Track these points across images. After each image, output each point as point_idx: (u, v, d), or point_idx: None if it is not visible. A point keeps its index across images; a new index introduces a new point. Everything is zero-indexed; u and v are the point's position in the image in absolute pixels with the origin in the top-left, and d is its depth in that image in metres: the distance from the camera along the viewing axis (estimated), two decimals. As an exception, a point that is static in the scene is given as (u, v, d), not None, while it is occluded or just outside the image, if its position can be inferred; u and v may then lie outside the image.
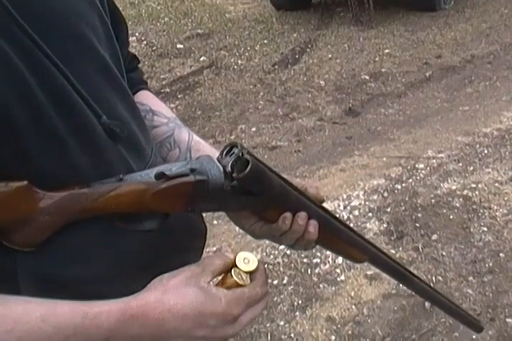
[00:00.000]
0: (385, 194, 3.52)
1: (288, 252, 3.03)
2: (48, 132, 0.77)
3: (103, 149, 0.84)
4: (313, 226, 0.94)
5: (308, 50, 6.34)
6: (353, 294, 2.74)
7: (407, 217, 3.27)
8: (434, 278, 2.80)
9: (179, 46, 6.48)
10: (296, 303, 2.72)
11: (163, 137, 1.08)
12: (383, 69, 5.74)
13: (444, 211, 3.30)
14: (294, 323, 2.62)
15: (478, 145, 4.05)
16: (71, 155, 0.80)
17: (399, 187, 3.60)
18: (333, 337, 2.53)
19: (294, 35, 6.81)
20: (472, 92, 5.17)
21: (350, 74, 5.65)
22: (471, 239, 3.06)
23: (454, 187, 3.53)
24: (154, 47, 6.45)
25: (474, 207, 3.32)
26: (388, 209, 3.36)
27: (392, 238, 3.11)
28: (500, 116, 4.53)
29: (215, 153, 0.92)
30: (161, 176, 0.82)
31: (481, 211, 3.28)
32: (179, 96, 5.35)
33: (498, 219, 3.20)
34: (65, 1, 0.85)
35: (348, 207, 3.40)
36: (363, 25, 6.90)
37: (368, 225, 3.23)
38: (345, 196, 3.52)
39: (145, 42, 6.62)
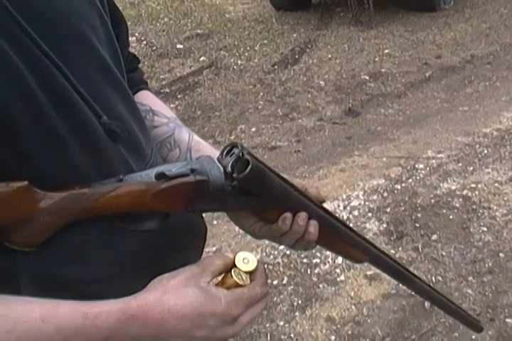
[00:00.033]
0: (385, 194, 3.52)
1: (288, 252, 3.03)
2: (47, 132, 0.77)
3: (103, 149, 0.84)
4: (313, 227, 0.94)
5: (308, 50, 6.34)
6: (352, 294, 2.75)
7: (407, 217, 3.27)
8: (433, 278, 2.80)
9: (179, 46, 6.48)
10: (295, 303, 2.72)
11: (164, 137, 1.08)
12: (383, 70, 5.74)
13: (444, 211, 3.30)
14: (293, 323, 2.62)
15: (477, 146, 4.05)
16: (71, 155, 0.80)
17: (398, 187, 3.60)
18: (332, 337, 2.53)
19: (294, 35, 6.81)
20: (472, 92, 5.17)
21: (350, 75, 5.65)
22: (471, 239, 3.07)
23: (453, 188, 3.54)
24: (154, 48, 6.45)
25: (474, 207, 3.32)
26: (388, 210, 3.36)
27: (391, 238, 3.11)
28: (500, 116, 4.53)
29: (215, 153, 0.92)
30: (161, 176, 0.82)
31: (481, 211, 3.28)
32: (179, 96, 5.35)
33: (498, 219, 3.20)
34: (65, 1, 0.85)
35: (348, 207, 3.40)
36: (363, 26, 6.90)
37: (367, 225, 3.23)
38: (344, 196, 3.52)
39: (145, 42, 6.62)
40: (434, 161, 3.88)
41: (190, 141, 1.08)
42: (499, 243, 3.01)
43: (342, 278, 2.85)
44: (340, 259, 2.93)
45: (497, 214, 3.24)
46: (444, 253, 2.97)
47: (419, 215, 3.28)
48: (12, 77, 0.73)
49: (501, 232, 3.09)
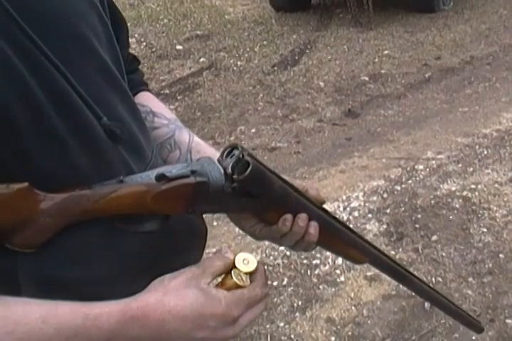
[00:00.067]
0: (385, 195, 3.52)
1: (288, 253, 3.03)
2: (47, 132, 0.77)
3: (103, 150, 0.84)
4: (313, 228, 0.94)
5: (307, 51, 6.35)
6: (352, 295, 2.75)
7: (407, 218, 3.27)
8: (433, 279, 2.80)
9: (178, 47, 6.49)
10: (296, 304, 2.72)
11: (164, 138, 1.08)
12: (383, 71, 5.74)
13: (444, 212, 3.30)
14: (293, 324, 2.62)
15: (477, 147, 4.06)
16: (71, 156, 0.80)
17: (398, 188, 3.60)
18: (333, 338, 2.53)
19: (294, 36, 6.81)
20: (471, 93, 5.17)
21: (350, 76, 5.65)
22: (471, 240, 3.07)
23: (453, 188, 3.54)
24: (154, 49, 6.46)
25: (474, 208, 3.33)
26: (388, 211, 3.36)
27: (391, 239, 3.11)
28: (500, 117, 4.53)
29: (215, 155, 0.92)
30: (161, 178, 0.82)
31: (481, 212, 3.28)
32: (178, 97, 5.35)
33: (498, 220, 3.20)
34: (65, 1, 0.85)
35: (348, 209, 3.40)
36: (363, 27, 6.90)
37: (367, 226, 3.23)
38: (344, 197, 3.53)
39: (144, 43, 6.63)
40: (433, 162, 3.89)
41: (191, 142, 1.08)
42: (499, 244, 3.01)
43: (342, 279, 2.85)
44: (340, 260, 2.94)
45: (497, 215, 3.24)
46: (444, 254, 2.97)
47: (419, 216, 3.28)
48: (12, 77, 0.73)
49: (501, 233, 3.09)
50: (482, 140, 4.15)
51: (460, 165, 3.82)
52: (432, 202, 3.41)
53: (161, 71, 5.91)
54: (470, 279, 2.79)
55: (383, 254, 1.07)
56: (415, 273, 1.43)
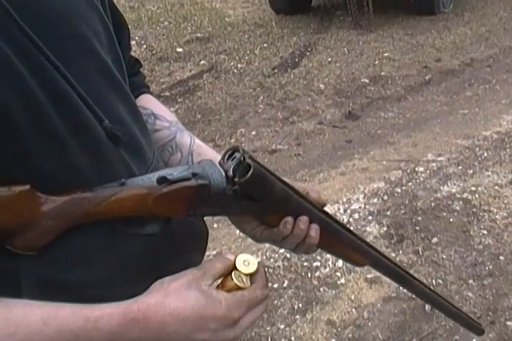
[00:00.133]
0: (385, 197, 3.52)
1: (288, 255, 3.03)
2: (47, 132, 0.77)
3: (104, 152, 0.84)
4: (314, 231, 0.94)
5: (307, 53, 6.35)
6: (353, 297, 2.74)
7: (407, 220, 3.27)
8: (434, 281, 2.80)
9: (179, 50, 6.49)
10: (296, 307, 2.72)
11: (165, 141, 1.08)
12: (383, 73, 5.75)
13: (444, 214, 3.30)
14: (294, 327, 2.62)
15: (477, 149, 4.06)
16: (71, 156, 0.80)
17: (399, 190, 3.60)
18: (333, 341, 2.53)
19: (294, 38, 6.82)
20: (472, 96, 5.17)
21: (350, 78, 5.66)
22: (471, 242, 3.07)
23: (453, 191, 3.54)
24: (154, 51, 6.46)
25: (474, 210, 3.33)
26: (388, 213, 3.36)
27: (392, 241, 3.12)
28: (500, 119, 4.53)
29: (216, 157, 0.92)
30: (162, 180, 0.82)
31: (481, 214, 3.28)
32: (179, 100, 5.35)
33: (498, 222, 3.20)
34: (65, 2, 0.85)
35: (348, 211, 3.41)
36: (363, 29, 6.91)
37: (368, 228, 3.23)
38: (345, 199, 3.53)
39: (145, 46, 6.63)
40: (434, 164, 3.89)
41: (192, 145, 1.08)
42: (499, 246, 3.02)
43: (342, 281, 2.85)
44: (340, 262, 2.94)
45: (497, 217, 3.25)
46: (444, 257, 2.97)
47: (419, 218, 3.28)
48: (12, 77, 0.73)
49: (501, 235, 3.09)
50: (482, 142, 4.16)
51: (460, 168, 3.82)
52: (432, 204, 3.41)
53: (161, 73, 5.91)
54: (470, 281, 2.79)
55: (384, 256, 1.07)
56: (416, 275, 1.43)
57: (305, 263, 2.98)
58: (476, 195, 3.46)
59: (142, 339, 0.74)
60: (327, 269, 2.93)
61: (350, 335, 2.54)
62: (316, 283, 2.86)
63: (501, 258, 2.93)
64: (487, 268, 2.87)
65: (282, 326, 2.62)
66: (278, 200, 0.90)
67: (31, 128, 0.75)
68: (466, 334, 2.42)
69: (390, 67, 5.90)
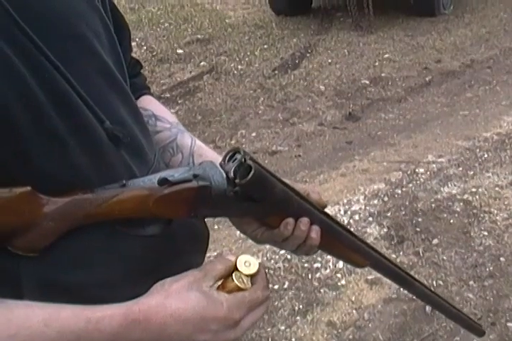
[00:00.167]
0: (386, 198, 3.52)
1: (289, 257, 3.03)
2: (47, 132, 0.77)
3: (105, 153, 0.84)
4: (315, 232, 0.94)
5: (308, 55, 6.36)
6: (353, 299, 2.74)
7: (408, 222, 3.27)
8: (434, 283, 2.80)
9: (179, 51, 6.50)
10: (296, 308, 2.72)
11: (166, 142, 1.08)
12: (383, 74, 5.75)
13: (445, 215, 3.30)
14: (294, 328, 2.61)
15: (478, 150, 4.06)
16: (71, 156, 0.80)
17: (399, 191, 3.60)
18: (334, 342, 2.53)
19: (294, 40, 6.83)
20: (472, 97, 5.18)
21: (350, 79, 5.66)
22: (472, 243, 3.07)
23: (454, 192, 3.54)
24: (154, 53, 6.46)
25: (475, 211, 3.33)
26: (389, 214, 3.36)
27: (392, 242, 3.11)
28: (500, 120, 4.54)
29: (217, 159, 0.92)
30: (163, 182, 0.82)
31: (482, 215, 3.28)
32: (179, 101, 5.35)
33: (499, 223, 3.20)
34: (65, 2, 0.85)
35: (349, 212, 3.41)
36: (363, 30, 6.92)
37: (368, 230, 3.23)
38: (345, 201, 3.53)
39: (145, 47, 6.64)
40: (434, 166, 3.89)
41: (193, 146, 1.08)
42: (500, 247, 3.02)
43: (343, 282, 2.85)
44: (341, 264, 2.93)
45: (498, 218, 3.25)
46: (444, 258, 2.97)
47: (419, 219, 3.28)
48: (12, 77, 0.73)
49: (502, 236, 3.09)
50: (483, 143, 4.16)
51: (461, 169, 3.82)
52: (433, 205, 3.41)
53: (161, 75, 5.92)
54: (471, 282, 2.79)
55: (384, 258, 1.07)
56: (416, 276, 1.43)
57: (305, 265, 2.98)
58: (477, 196, 3.46)
59: None
60: (327, 270, 2.93)
61: (350, 336, 2.54)
62: (316, 284, 2.86)
63: (502, 259, 2.93)
64: (488, 269, 2.87)
65: (283, 327, 2.62)
66: (279, 202, 0.90)
67: (31, 128, 0.75)
68: (466, 335, 2.41)
69: (391, 68, 5.90)
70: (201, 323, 0.76)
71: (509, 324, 2.54)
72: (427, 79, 5.62)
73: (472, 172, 3.76)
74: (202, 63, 6.17)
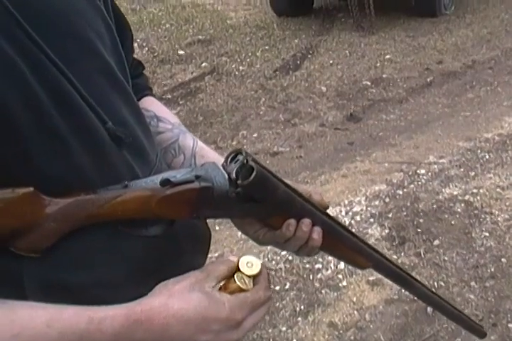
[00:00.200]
0: (387, 199, 3.52)
1: (290, 258, 3.03)
2: (48, 131, 0.77)
3: (107, 154, 0.84)
4: (317, 233, 0.94)
5: (309, 55, 6.36)
6: (355, 300, 2.74)
7: (409, 223, 3.27)
8: (436, 284, 2.80)
9: (180, 52, 6.50)
10: (298, 309, 2.72)
11: (168, 143, 1.08)
12: (384, 75, 5.75)
13: (446, 216, 3.30)
14: (296, 329, 2.61)
15: (479, 151, 4.06)
16: (72, 155, 0.80)
17: (400, 192, 3.60)
18: (335, 343, 2.53)
19: (295, 41, 6.83)
20: (473, 98, 5.18)
21: (352, 80, 5.66)
22: (473, 244, 3.07)
23: (455, 193, 3.54)
24: (156, 54, 6.47)
25: (476, 212, 3.33)
26: (390, 215, 3.36)
27: (393, 243, 3.11)
28: (502, 121, 4.53)
29: (219, 160, 0.92)
30: (166, 183, 0.82)
31: (483, 216, 3.28)
32: (181, 102, 5.35)
33: (500, 224, 3.20)
34: (66, 0, 0.85)
35: (350, 213, 3.40)
36: (364, 31, 6.92)
37: (369, 231, 3.23)
38: (346, 202, 3.53)
39: (146, 48, 6.64)
40: (435, 166, 3.89)
41: (195, 147, 1.08)
42: (501, 248, 3.01)
43: (344, 283, 2.85)
44: (342, 265, 2.94)
45: (499, 219, 3.24)
46: (446, 259, 2.97)
47: (421, 220, 3.28)
48: (12, 75, 0.73)
49: (503, 237, 3.09)
50: (484, 144, 4.16)
51: (462, 170, 3.82)
52: (434, 206, 3.41)
53: (163, 76, 5.92)
54: (472, 283, 2.79)
55: (386, 259, 1.07)
56: (417, 277, 1.43)
57: (307, 266, 2.98)
58: (478, 197, 3.46)
59: None
60: (329, 271, 2.93)
61: (352, 337, 2.54)
62: (317, 285, 2.86)
63: (503, 260, 2.93)
64: (489, 270, 2.86)
65: (284, 328, 2.62)
66: (281, 203, 0.90)
67: (32, 128, 0.75)
68: (468, 336, 2.41)
69: (392, 69, 5.90)
70: (203, 324, 0.76)
71: (510, 325, 2.54)
72: (428, 79, 5.62)
73: (473, 173, 3.76)
74: (203, 64, 6.17)
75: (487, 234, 3.12)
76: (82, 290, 0.82)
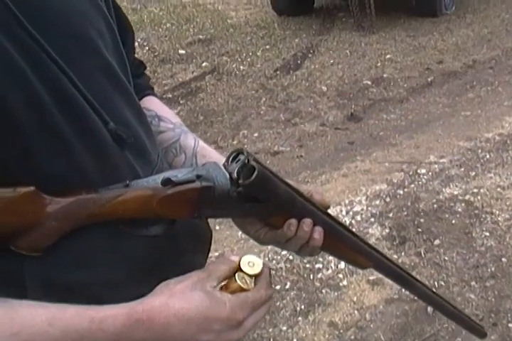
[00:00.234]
0: (387, 199, 3.52)
1: (290, 257, 3.03)
2: (49, 129, 0.77)
3: (109, 154, 0.84)
4: (318, 233, 0.94)
5: (310, 55, 6.36)
6: (355, 299, 2.74)
7: (409, 222, 3.27)
8: (436, 283, 2.80)
9: (181, 52, 6.50)
10: (298, 308, 2.72)
11: (169, 143, 1.08)
12: (385, 75, 5.75)
13: (446, 216, 3.30)
14: (296, 328, 2.62)
15: (480, 151, 4.06)
16: (73, 154, 0.80)
17: (401, 192, 3.60)
18: (335, 342, 2.53)
19: (296, 40, 6.83)
20: (474, 97, 5.17)
21: (352, 80, 5.66)
22: (473, 244, 3.07)
23: (456, 192, 3.54)
24: (156, 53, 6.47)
25: (476, 212, 3.33)
26: (390, 215, 3.36)
27: (394, 243, 3.11)
28: (502, 121, 4.53)
29: (220, 159, 0.92)
30: (167, 182, 0.82)
31: (483, 216, 3.28)
32: (181, 101, 5.35)
33: (500, 224, 3.20)
34: (66, 1, 0.84)
35: (351, 213, 3.41)
36: (365, 31, 6.92)
37: (370, 230, 3.23)
38: (347, 201, 3.53)
39: (147, 47, 6.64)
40: (436, 166, 3.89)
41: (196, 147, 1.08)
42: (502, 248, 3.01)
43: (345, 283, 2.85)
44: (342, 264, 2.94)
45: (499, 219, 3.24)
46: (446, 258, 2.97)
47: (421, 220, 3.28)
48: (12, 73, 0.73)
49: (504, 237, 3.09)
50: (484, 144, 4.16)
51: (462, 169, 3.82)
52: (435, 206, 3.41)
53: (163, 75, 5.92)
54: (473, 283, 2.79)
55: (386, 258, 1.07)
56: (418, 277, 1.43)
57: (307, 265, 2.98)
58: (479, 197, 3.46)
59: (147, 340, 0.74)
60: (329, 271, 2.93)
61: (352, 337, 2.54)
62: (318, 284, 2.86)
63: (503, 260, 2.93)
64: (489, 270, 2.87)
65: (284, 328, 2.62)
66: (282, 202, 0.90)
67: (33, 126, 0.75)
68: (468, 336, 2.41)
69: (392, 68, 5.90)
70: (204, 323, 0.76)
71: (511, 325, 2.54)
72: (429, 79, 5.62)
73: (474, 173, 3.76)
74: (204, 64, 6.17)
75: (487, 234, 3.12)
76: (83, 289, 0.82)
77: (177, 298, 0.76)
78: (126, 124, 0.88)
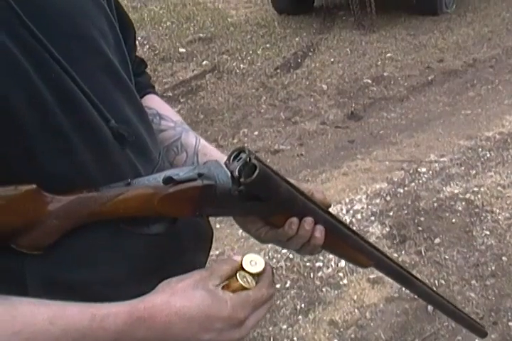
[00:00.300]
0: (388, 198, 3.52)
1: (291, 256, 3.03)
2: (52, 129, 0.77)
3: (110, 151, 0.84)
4: (319, 232, 0.94)
5: (310, 54, 6.35)
6: (355, 298, 2.75)
7: (410, 221, 3.27)
8: (436, 282, 2.80)
9: (181, 50, 6.49)
10: (298, 307, 2.73)
11: (171, 141, 1.08)
12: (385, 73, 5.74)
13: (447, 215, 3.30)
14: (296, 327, 2.62)
15: (480, 149, 4.06)
16: (76, 153, 0.80)
17: (401, 191, 3.60)
18: (336, 341, 2.53)
19: (296, 39, 6.82)
20: (474, 96, 5.17)
21: (353, 78, 5.66)
22: (474, 242, 3.07)
23: (456, 191, 3.54)
24: (156, 51, 6.46)
25: (477, 210, 3.33)
26: (391, 213, 3.36)
27: (394, 242, 3.12)
28: (503, 119, 4.53)
29: (222, 158, 0.92)
30: (168, 181, 0.82)
31: (484, 214, 3.28)
32: (182, 100, 5.35)
33: (501, 222, 3.20)
34: (69, 0, 0.84)
35: (351, 211, 3.41)
36: (365, 29, 6.91)
37: (370, 229, 3.23)
38: (347, 200, 3.53)
39: (147, 46, 6.63)
40: (436, 165, 3.89)
41: (197, 145, 1.08)
42: (502, 246, 3.01)
43: (345, 281, 2.85)
44: (343, 263, 2.94)
45: (500, 217, 3.24)
46: (446, 257, 2.97)
47: (421, 219, 3.28)
48: (15, 73, 0.73)
49: (504, 236, 3.09)
50: (485, 142, 4.16)
51: (463, 168, 3.82)
52: (435, 204, 3.41)
53: (164, 74, 5.92)
54: (473, 282, 2.79)
55: (386, 257, 1.07)
56: (418, 275, 1.43)
57: (307, 264, 2.98)
58: (479, 196, 3.46)
59: (148, 339, 0.74)
60: (330, 269, 2.93)
61: (352, 335, 2.54)
62: (318, 283, 2.86)
63: (504, 258, 2.93)
64: (489, 268, 2.87)
65: (285, 326, 2.62)
66: (283, 201, 0.90)
67: (36, 125, 0.75)
68: (468, 334, 2.41)
69: (393, 67, 5.90)
70: (206, 322, 0.76)
71: (511, 323, 2.54)
72: (429, 78, 5.61)
73: (474, 172, 3.76)
74: (204, 62, 6.17)
75: (488, 233, 3.12)
76: (84, 288, 0.82)
77: (179, 296, 0.75)
78: (127, 122, 0.88)
